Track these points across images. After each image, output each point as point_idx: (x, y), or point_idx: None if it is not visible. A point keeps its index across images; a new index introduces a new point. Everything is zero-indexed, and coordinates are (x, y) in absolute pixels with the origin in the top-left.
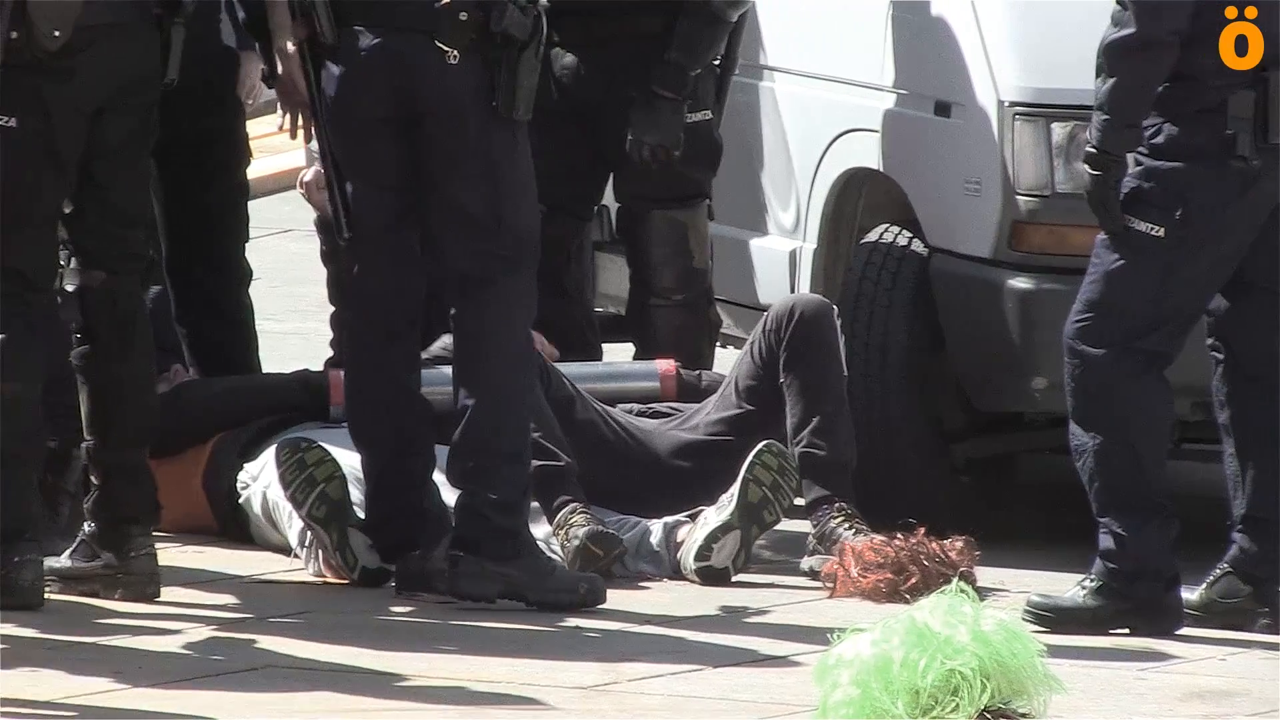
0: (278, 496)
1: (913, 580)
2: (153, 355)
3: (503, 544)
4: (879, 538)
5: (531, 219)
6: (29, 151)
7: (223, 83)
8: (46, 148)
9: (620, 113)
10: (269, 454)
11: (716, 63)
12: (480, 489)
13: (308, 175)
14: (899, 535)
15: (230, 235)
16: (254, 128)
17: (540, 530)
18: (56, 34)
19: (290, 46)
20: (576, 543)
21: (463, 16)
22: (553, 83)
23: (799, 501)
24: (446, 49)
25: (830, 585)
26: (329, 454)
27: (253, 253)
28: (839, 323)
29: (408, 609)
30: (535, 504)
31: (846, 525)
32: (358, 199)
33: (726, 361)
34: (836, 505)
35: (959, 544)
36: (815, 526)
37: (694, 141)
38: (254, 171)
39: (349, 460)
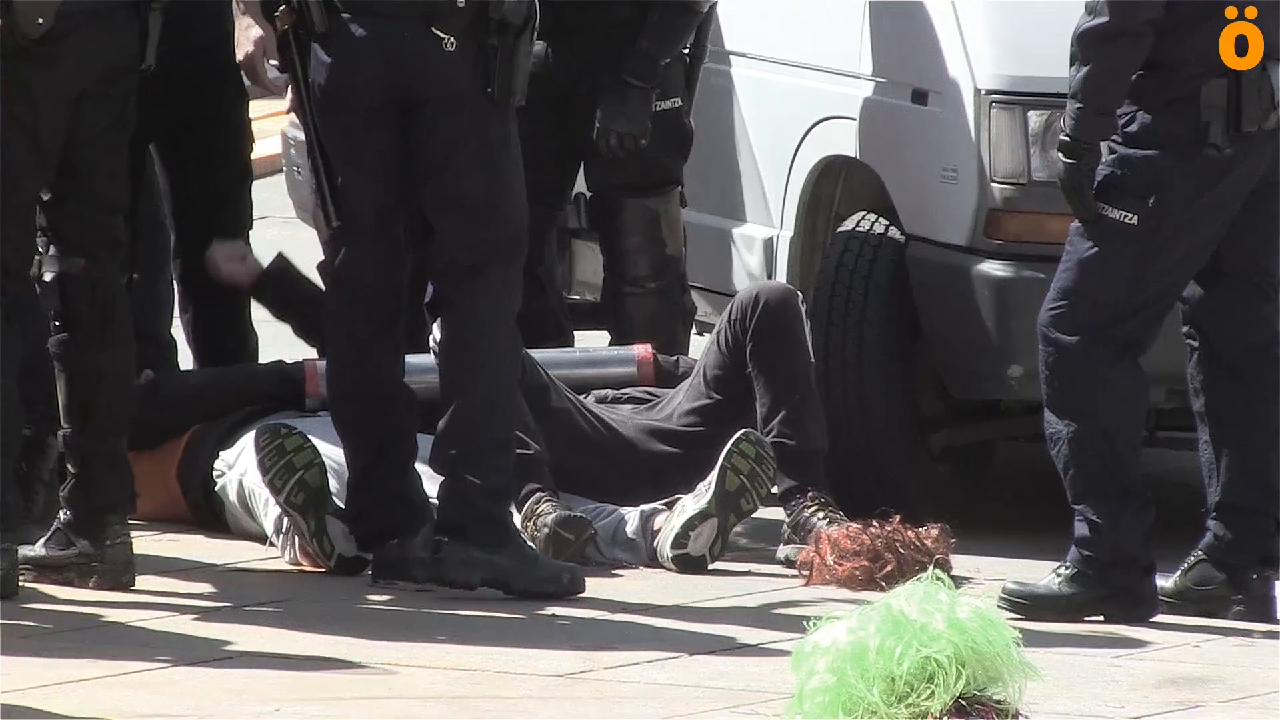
0: (254, 484)
1: (888, 568)
2: (132, 343)
3: (490, 531)
4: (854, 525)
5: (523, 207)
6: (13, 140)
7: (226, 68)
8: (31, 136)
9: (590, 101)
10: (245, 441)
11: (686, 50)
12: (467, 475)
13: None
14: (875, 523)
15: (236, 220)
16: None
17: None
18: (39, 21)
19: (253, 36)
20: (546, 530)
21: (460, 3)
22: None
23: (775, 490)
24: (443, 35)
25: (806, 573)
26: (309, 441)
27: None
28: (804, 309)
29: (385, 597)
30: None
31: (821, 514)
32: (347, 189)
33: (701, 348)
34: (810, 494)
35: (935, 531)
36: (790, 515)
37: (663, 129)
38: None
39: (326, 450)
